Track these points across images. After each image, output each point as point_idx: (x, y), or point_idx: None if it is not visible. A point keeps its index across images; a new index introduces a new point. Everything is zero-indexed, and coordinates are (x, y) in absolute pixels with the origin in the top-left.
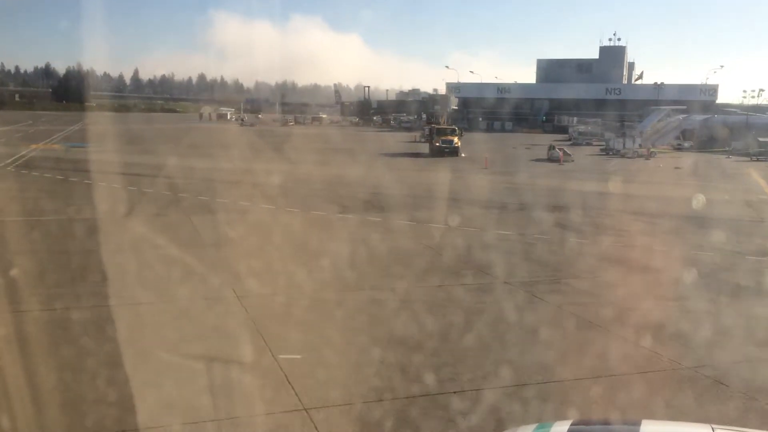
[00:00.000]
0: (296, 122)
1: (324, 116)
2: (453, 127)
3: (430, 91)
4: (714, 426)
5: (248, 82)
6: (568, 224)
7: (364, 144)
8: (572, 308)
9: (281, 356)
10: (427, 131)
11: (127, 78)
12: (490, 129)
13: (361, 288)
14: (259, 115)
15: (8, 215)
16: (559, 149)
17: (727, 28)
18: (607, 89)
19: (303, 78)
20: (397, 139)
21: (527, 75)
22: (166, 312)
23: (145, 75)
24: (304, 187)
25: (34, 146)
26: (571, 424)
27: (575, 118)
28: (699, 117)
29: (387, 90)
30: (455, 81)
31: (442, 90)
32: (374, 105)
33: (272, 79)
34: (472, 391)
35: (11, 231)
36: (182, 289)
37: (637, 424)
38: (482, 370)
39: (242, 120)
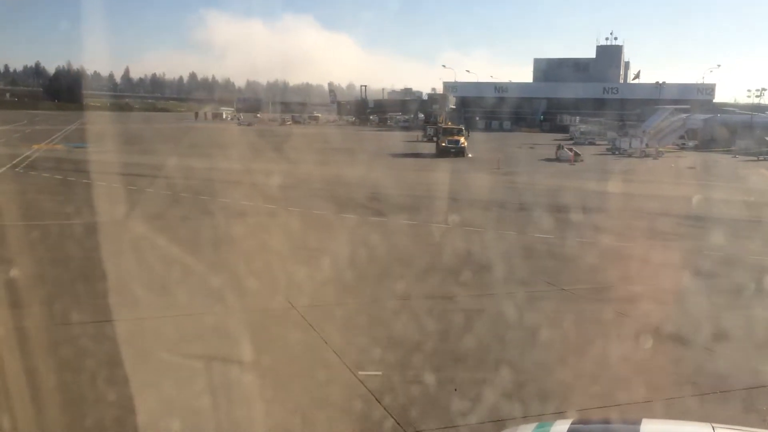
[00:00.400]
0: (294, 121)
1: (319, 115)
2: (460, 126)
3: (423, 90)
4: (714, 425)
5: (240, 82)
6: (629, 229)
7: (367, 144)
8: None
9: (361, 373)
10: (431, 131)
11: (118, 77)
12: (488, 128)
13: (429, 296)
14: (258, 114)
15: (34, 219)
16: (569, 149)
17: (722, 28)
18: (604, 88)
19: (295, 77)
20: (397, 139)
21: (523, 74)
22: (229, 324)
23: (135, 74)
24: (325, 187)
25: (36, 146)
26: (572, 423)
27: (577, 118)
28: (702, 116)
29: (384, 89)
30: (451, 80)
31: (439, 89)
32: (371, 104)
33: (264, 78)
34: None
35: (46, 235)
36: (237, 300)
37: (637, 423)
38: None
39: (239, 119)
